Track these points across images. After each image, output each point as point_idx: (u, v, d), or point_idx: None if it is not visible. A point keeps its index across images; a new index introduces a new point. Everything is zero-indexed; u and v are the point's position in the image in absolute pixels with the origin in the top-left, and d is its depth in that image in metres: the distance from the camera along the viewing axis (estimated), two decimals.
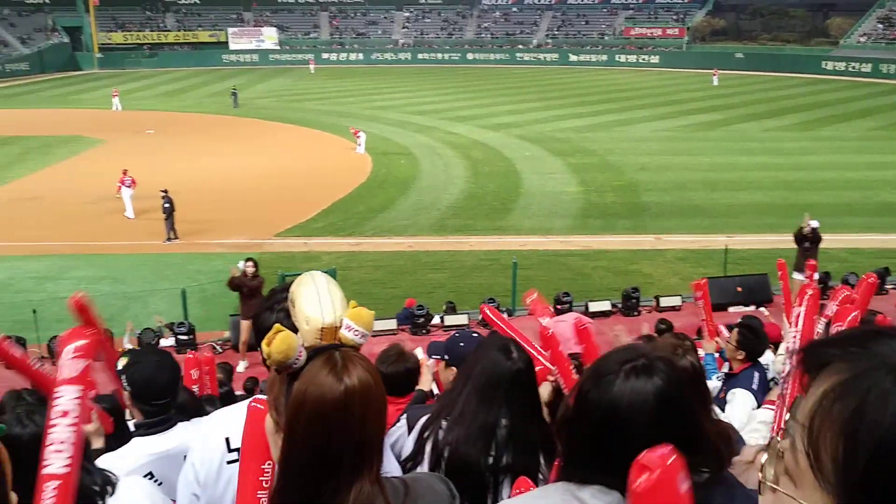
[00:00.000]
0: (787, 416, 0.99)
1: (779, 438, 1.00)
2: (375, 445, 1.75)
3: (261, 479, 1.96)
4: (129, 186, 23.37)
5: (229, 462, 2.35)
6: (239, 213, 23.79)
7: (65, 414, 2.02)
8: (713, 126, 40.05)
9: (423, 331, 13.81)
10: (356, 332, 1.90)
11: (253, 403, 2.01)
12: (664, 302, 15.15)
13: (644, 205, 24.75)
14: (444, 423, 2.77)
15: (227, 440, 2.36)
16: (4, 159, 32.72)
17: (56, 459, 1.95)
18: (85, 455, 2.47)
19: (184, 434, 3.23)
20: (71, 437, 1.99)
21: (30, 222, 23.07)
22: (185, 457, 3.08)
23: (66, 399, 2.03)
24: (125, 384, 3.43)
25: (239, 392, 8.41)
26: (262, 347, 1.85)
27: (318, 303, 1.97)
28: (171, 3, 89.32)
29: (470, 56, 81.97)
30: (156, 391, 3.33)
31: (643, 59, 76.24)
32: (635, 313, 14.83)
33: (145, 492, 2.54)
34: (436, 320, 14.36)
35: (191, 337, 13.76)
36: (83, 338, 2.13)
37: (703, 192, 26.22)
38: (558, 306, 14.50)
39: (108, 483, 2.40)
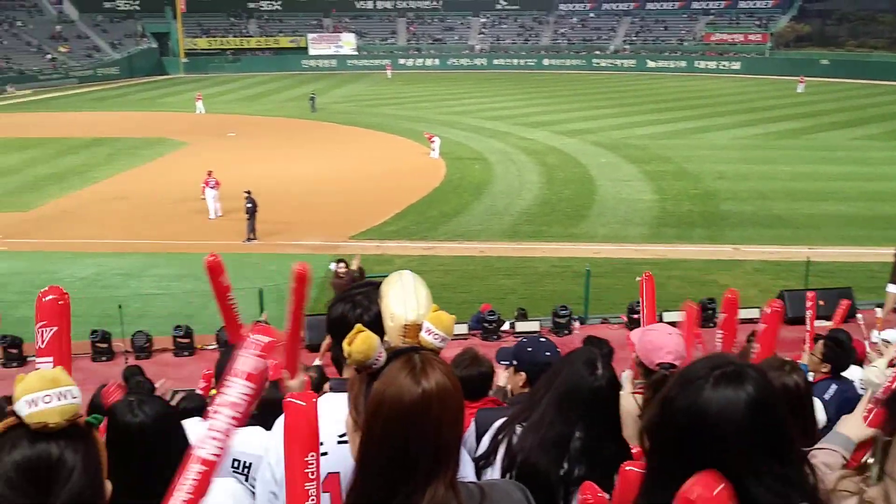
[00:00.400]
0: (871, 460, 0.96)
1: (865, 487, 0.97)
2: (452, 450, 1.76)
3: (306, 470, 2.00)
4: (213, 187, 24.08)
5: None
6: (315, 214, 24.25)
7: (230, 405, 2.04)
8: (796, 134, 38.92)
9: (494, 336, 13.82)
10: (436, 336, 1.94)
11: (288, 399, 2.05)
12: (742, 314, 14.74)
13: (722, 214, 24.22)
14: (518, 429, 2.76)
15: None
16: (94, 160, 34.12)
17: (209, 445, 1.99)
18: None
19: (251, 438, 3.19)
20: (228, 429, 2.03)
21: (116, 221, 23.99)
22: (234, 460, 3.15)
23: (235, 391, 2.05)
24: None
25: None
26: (343, 346, 1.90)
27: (403, 301, 2.02)
28: (255, 9, 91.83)
29: (546, 62, 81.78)
30: None
31: (724, 66, 74.70)
32: (711, 325, 14.50)
33: (234, 496, 2.58)
34: (506, 326, 14.36)
35: None
36: (270, 336, 2.14)
37: (784, 201, 25.51)
38: (633, 316, 14.32)
39: None
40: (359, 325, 1.91)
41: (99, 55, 79.31)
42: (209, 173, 24.38)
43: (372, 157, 33.91)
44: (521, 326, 13.96)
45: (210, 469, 2.00)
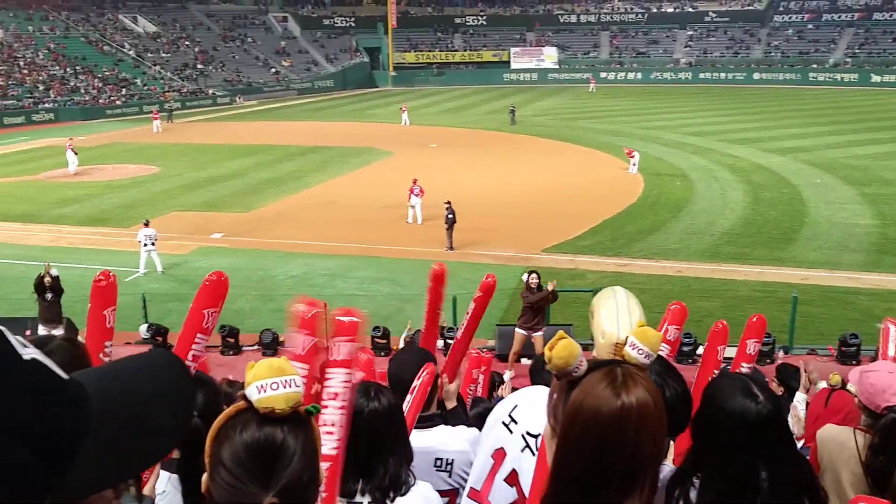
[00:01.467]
0: None
1: None
2: (649, 468, 1.71)
3: None
4: (417, 195, 24.99)
5: (503, 423, 2.50)
6: (509, 226, 24.48)
7: (335, 396, 2.10)
8: None
9: (689, 360, 13.34)
10: (640, 351, 1.90)
11: None
12: None
13: None
14: (696, 481, 2.51)
15: (515, 407, 2.52)
16: (309, 166, 36.49)
17: (327, 441, 2.03)
18: (406, 452, 2.66)
19: (450, 437, 3.35)
20: (340, 420, 2.08)
21: (325, 224, 25.47)
22: (435, 458, 3.26)
23: (336, 382, 2.12)
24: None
25: None
26: (545, 352, 1.92)
27: (615, 318, 2.01)
28: (461, 24, 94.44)
29: (756, 76, 77.71)
30: (401, 387, 3.53)
31: None
32: None
33: (427, 499, 2.64)
34: (700, 350, 13.80)
35: None
36: (352, 317, 2.20)
37: None
38: (843, 349, 13.33)
39: (404, 484, 2.52)
40: (560, 332, 1.92)
41: (317, 69, 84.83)
42: (415, 181, 25.32)
43: (568, 171, 33.76)
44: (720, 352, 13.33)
45: (335, 463, 2.04)
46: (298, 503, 1.47)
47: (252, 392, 1.47)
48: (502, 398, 2.96)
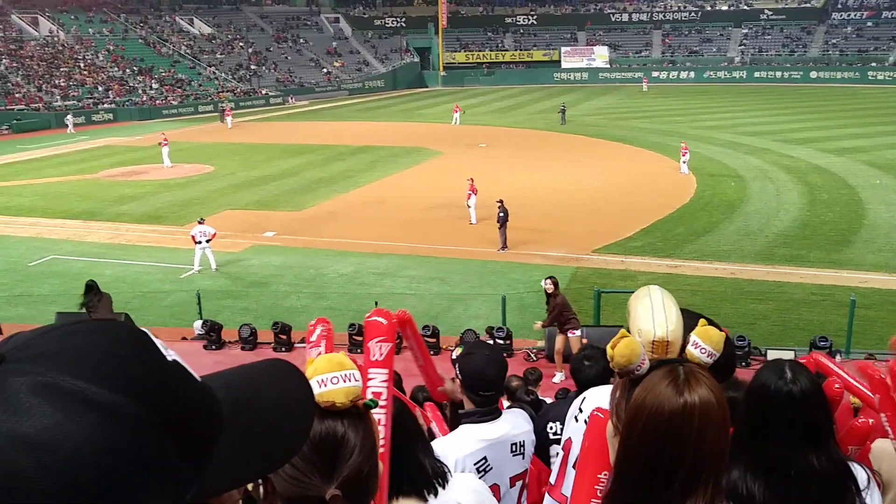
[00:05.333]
0: None
1: None
2: (713, 465, 1.71)
3: (596, 487, 2.02)
4: (475, 194, 24.92)
5: (574, 416, 2.61)
6: (560, 226, 24.34)
7: (377, 396, 2.14)
8: None
9: (743, 363, 13.12)
10: (703, 350, 1.92)
11: (595, 412, 2.10)
12: None
13: None
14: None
15: (584, 399, 2.61)
16: (358, 166, 36.76)
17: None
18: (426, 443, 2.67)
19: (508, 424, 3.44)
20: (381, 420, 2.10)
21: (375, 223, 25.63)
22: (511, 444, 3.36)
23: (376, 381, 2.16)
24: (458, 373, 3.77)
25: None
26: (607, 350, 1.93)
27: (651, 316, 2.03)
28: (511, 24, 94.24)
29: (813, 74, 76.00)
30: (484, 383, 3.60)
31: None
32: None
33: (476, 491, 2.64)
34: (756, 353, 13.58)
35: (508, 342, 14.41)
36: (386, 320, 2.24)
37: None
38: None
39: (441, 476, 2.50)
40: (623, 331, 1.94)
41: (368, 69, 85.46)
42: (471, 180, 25.24)
43: (620, 171, 33.44)
44: (772, 354, 13.10)
45: (383, 462, 2.11)
46: (359, 495, 1.50)
47: (313, 386, 1.49)
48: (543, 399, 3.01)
